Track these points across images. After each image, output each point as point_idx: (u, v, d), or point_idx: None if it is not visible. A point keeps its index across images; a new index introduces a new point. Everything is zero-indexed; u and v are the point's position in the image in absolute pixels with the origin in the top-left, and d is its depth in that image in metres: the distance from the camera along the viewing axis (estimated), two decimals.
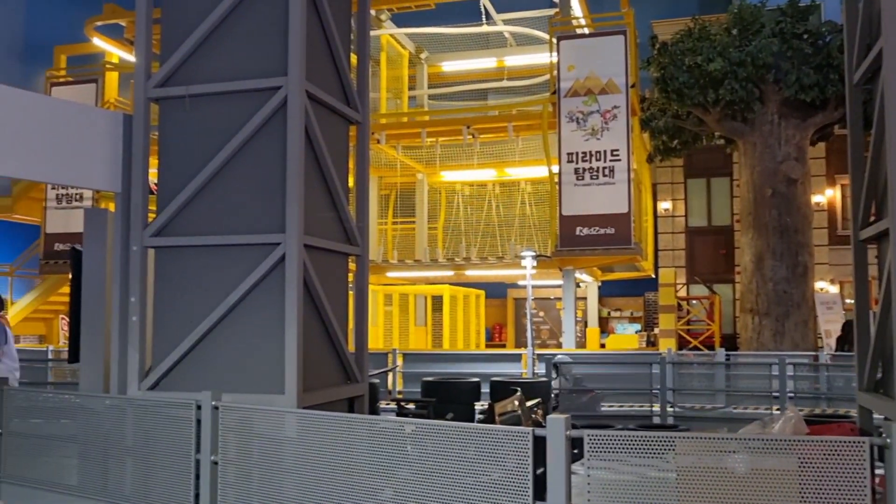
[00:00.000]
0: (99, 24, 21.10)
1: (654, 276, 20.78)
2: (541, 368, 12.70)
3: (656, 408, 12.01)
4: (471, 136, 17.26)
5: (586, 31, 17.27)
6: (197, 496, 5.15)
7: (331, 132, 6.77)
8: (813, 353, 13.82)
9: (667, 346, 16.29)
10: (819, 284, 19.66)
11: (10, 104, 5.92)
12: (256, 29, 6.30)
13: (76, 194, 20.42)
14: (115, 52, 21.58)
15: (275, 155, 6.10)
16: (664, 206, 23.09)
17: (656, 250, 22.15)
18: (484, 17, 19.59)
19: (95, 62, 22.18)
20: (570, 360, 11.59)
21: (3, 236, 24.04)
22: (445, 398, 10.13)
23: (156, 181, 6.54)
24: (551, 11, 18.13)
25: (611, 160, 15.42)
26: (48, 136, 6.12)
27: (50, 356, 14.73)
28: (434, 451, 4.32)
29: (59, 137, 6.20)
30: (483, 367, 13.00)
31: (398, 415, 9.76)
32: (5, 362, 8.17)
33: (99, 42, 21.29)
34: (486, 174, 19.39)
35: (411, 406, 10.17)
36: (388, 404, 11.23)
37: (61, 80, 21.70)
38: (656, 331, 20.65)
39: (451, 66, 21.64)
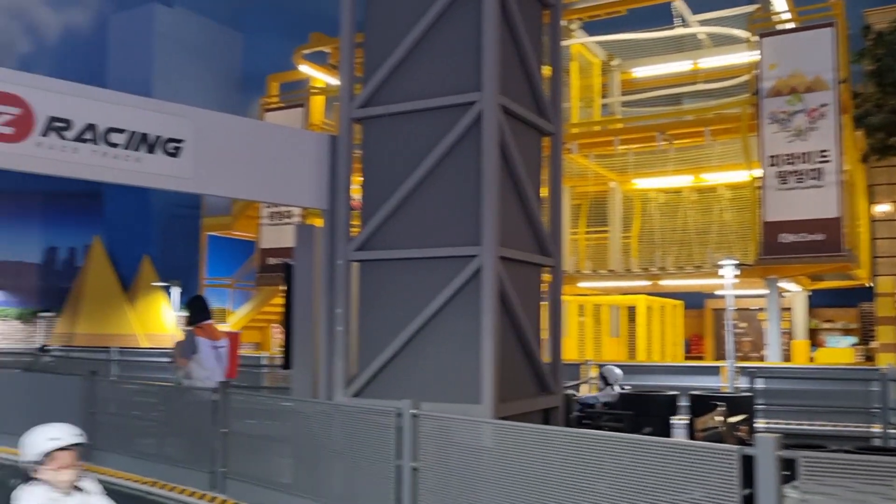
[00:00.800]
0: (306, 52, 22.58)
1: (870, 285, 19.16)
2: (743, 382, 12.09)
3: (875, 429, 11.03)
4: (665, 142, 16.79)
5: (788, 25, 16.31)
6: (399, 500, 5.33)
7: (524, 144, 6.82)
8: None
9: (886, 361, 14.96)
10: None
11: (230, 130, 6.47)
12: (451, 46, 6.47)
13: (286, 211, 21.88)
14: (321, 76, 22.96)
15: (470, 169, 6.23)
16: (882, 209, 21.20)
17: (873, 257, 20.42)
18: (680, 19, 18.98)
19: (302, 88, 23.72)
20: (619, 370, 10.45)
21: (223, 252, 26.27)
22: (641, 411, 9.86)
23: (358, 198, 6.88)
24: (751, 8, 17.28)
25: (818, 161, 14.50)
26: (263, 158, 6.63)
27: (264, 363, 15.77)
28: (632, 466, 4.23)
29: (272, 159, 6.70)
30: (680, 380, 12.52)
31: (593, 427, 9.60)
32: (196, 371, 8.43)
33: (306, 69, 22.74)
34: (682, 180, 18.73)
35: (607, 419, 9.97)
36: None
37: (273, 105, 23.38)
38: (874, 344, 19.01)
39: (643, 71, 21.15)
